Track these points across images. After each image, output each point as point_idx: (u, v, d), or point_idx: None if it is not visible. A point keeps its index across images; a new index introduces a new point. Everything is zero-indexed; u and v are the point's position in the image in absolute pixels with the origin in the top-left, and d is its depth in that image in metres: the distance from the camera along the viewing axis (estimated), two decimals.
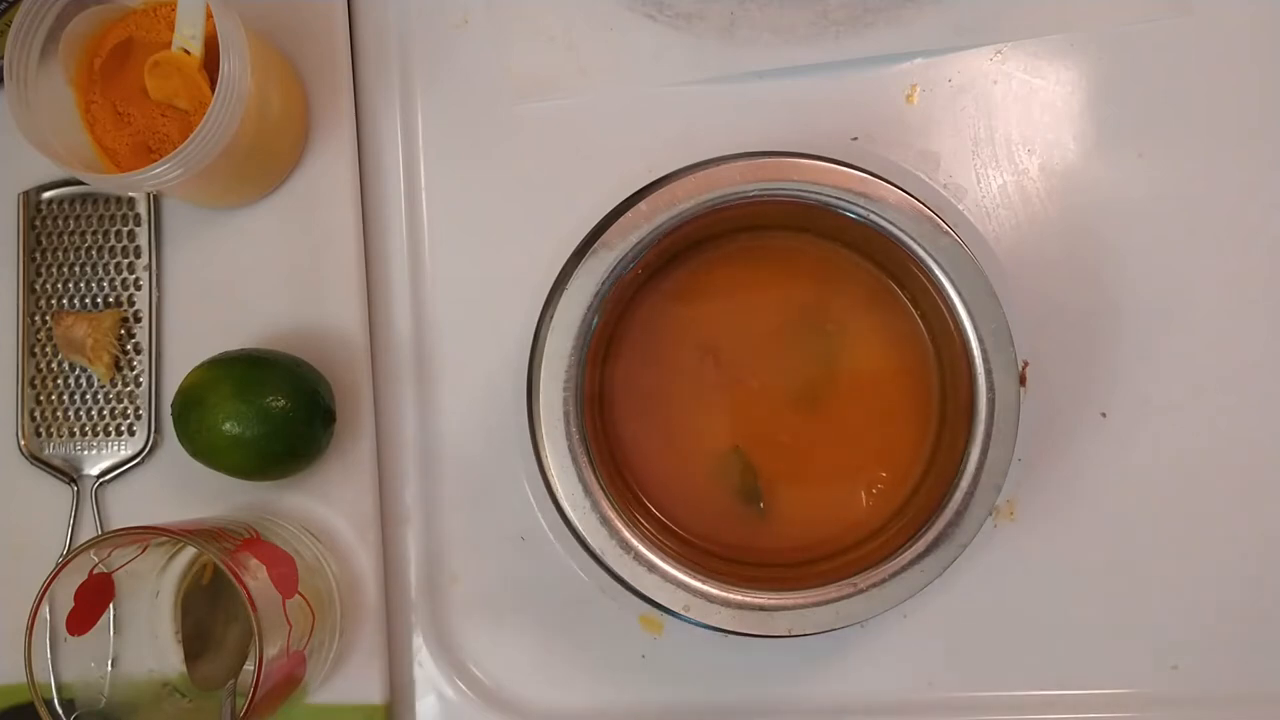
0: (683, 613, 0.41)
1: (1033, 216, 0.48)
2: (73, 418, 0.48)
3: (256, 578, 0.40)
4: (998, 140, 0.48)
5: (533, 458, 0.47)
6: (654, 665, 0.48)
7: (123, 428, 0.48)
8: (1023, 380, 0.47)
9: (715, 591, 0.41)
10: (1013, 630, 0.47)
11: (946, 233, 0.41)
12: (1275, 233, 0.47)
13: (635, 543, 0.41)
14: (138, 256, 0.49)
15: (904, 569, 0.41)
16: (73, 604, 0.40)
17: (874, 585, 0.41)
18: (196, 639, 0.45)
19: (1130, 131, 0.48)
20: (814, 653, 0.47)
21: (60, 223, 0.49)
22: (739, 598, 0.41)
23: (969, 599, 0.47)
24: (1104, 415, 0.47)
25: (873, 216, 0.41)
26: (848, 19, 0.47)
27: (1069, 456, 0.47)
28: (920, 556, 0.41)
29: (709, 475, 0.45)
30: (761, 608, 0.41)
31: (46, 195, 0.49)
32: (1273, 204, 0.47)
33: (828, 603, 0.41)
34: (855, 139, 0.48)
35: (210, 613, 0.45)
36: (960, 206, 0.48)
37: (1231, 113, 0.47)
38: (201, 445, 0.44)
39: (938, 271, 0.41)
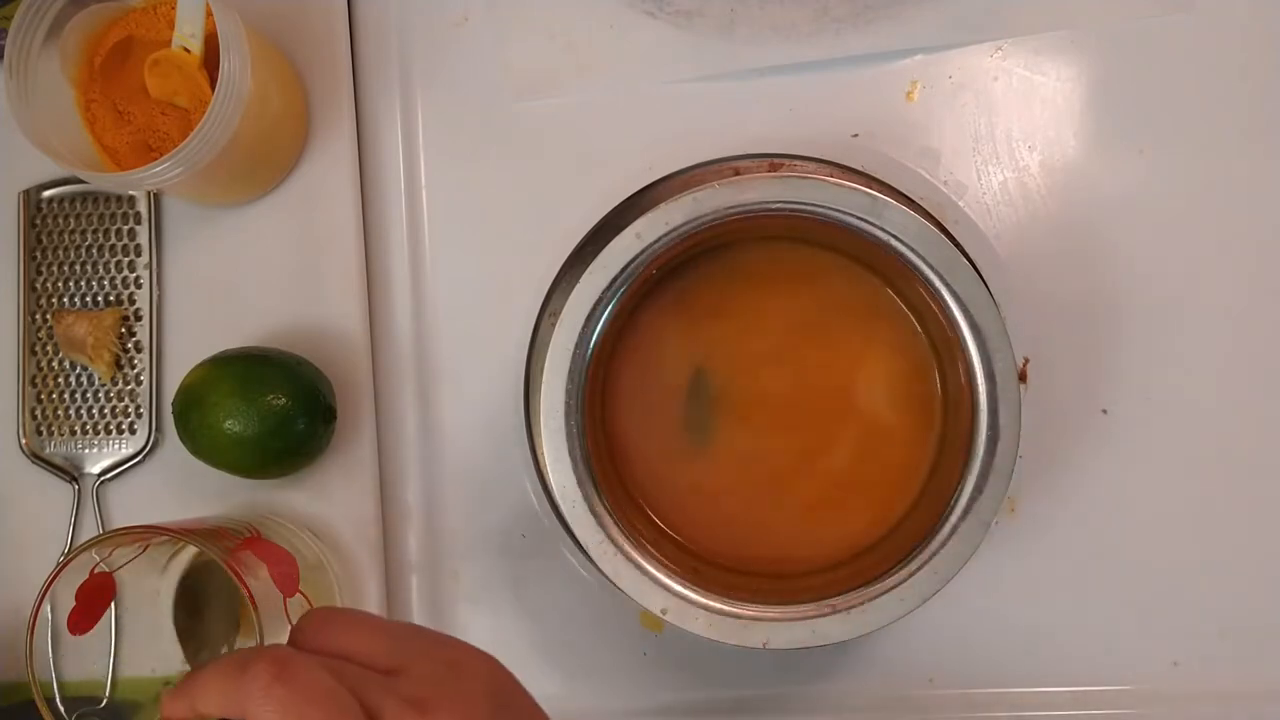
0: (660, 615, 0.41)
1: (1033, 213, 0.48)
2: (74, 416, 0.48)
3: (258, 576, 0.40)
4: (998, 137, 0.48)
5: (532, 455, 0.47)
6: (655, 662, 0.48)
7: (124, 426, 0.48)
8: (1023, 377, 0.47)
9: (695, 597, 0.41)
10: (1013, 626, 0.47)
11: (949, 245, 0.41)
12: (1276, 229, 0.47)
13: (622, 541, 0.41)
14: (138, 255, 0.49)
15: (883, 594, 0.41)
16: (74, 603, 0.40)
17: (851, 608, 0.41)
18: (189, 637, 0.45)
19: (1131, 128, 0.47)
20: (816, 649, 0.47)
21: (60, 221, 0.49)
22: (718, 605, 0.41)
23: (970, 594, 0.47)
24: (1105, 411, 0.47)
25: (873, 230, 0.41)
26: (848, 15, 0.47)
27: (1070, 453, 0.47)
28: (900, 584, 0.41)
29: (704, 474, 0.45)
30: (738, 617, 0.41)
31: (47, 194, 0.49)
32: (1274, 200, 0.47)
33: (804, 619, 0.41)
34: (855, 136, 0.48)
35: (199, 608, 0.46)
36: (960, 203, 0.48)
37: (1233, 109, 0.47)
38: (202, 443, 0.44)
39: (938, 283, 0.41)
